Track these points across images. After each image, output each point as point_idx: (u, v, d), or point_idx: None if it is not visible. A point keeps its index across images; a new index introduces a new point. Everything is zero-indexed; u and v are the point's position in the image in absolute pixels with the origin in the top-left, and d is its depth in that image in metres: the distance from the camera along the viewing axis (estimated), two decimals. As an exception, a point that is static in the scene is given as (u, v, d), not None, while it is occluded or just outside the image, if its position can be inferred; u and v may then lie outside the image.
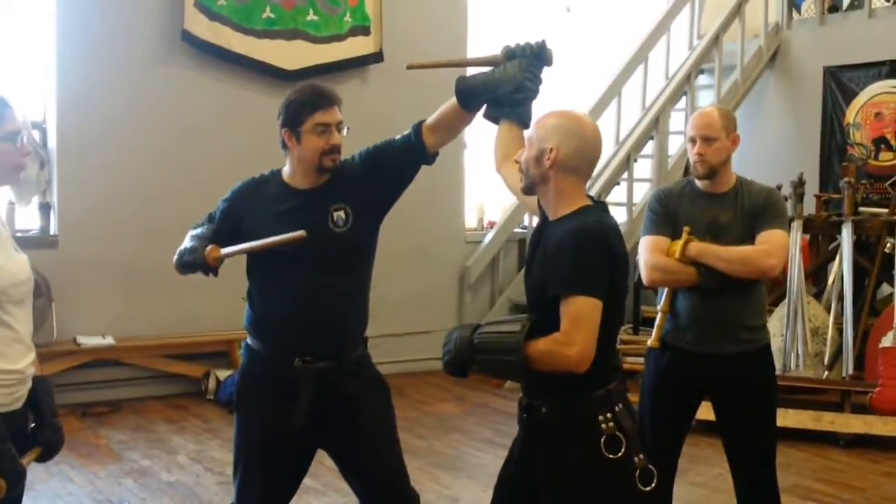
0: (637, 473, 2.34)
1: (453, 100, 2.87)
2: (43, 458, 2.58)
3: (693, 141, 3.24)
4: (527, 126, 2.72)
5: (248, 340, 2.96)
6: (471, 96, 2.82)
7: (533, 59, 2.75)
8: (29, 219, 6.32)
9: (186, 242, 2.88)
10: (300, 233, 2.70)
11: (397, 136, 2.97)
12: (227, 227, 2.92)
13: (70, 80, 6.24)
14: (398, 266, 7.00)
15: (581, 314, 2.28)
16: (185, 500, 4.52)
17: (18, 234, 6.14)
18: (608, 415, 2.34)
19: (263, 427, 2.87)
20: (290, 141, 2.86)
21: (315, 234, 2.79)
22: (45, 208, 6.30)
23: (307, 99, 2.84)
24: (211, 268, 2.80)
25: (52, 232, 6.29)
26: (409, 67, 3.02)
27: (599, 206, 2.47)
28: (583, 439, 2.35)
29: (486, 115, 2.85)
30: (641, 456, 2.36)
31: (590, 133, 2.45)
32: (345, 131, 2.87)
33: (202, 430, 5.70)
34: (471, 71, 3.00)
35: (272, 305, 2.88)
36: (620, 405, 2.37)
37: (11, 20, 6.30)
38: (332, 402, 2.85)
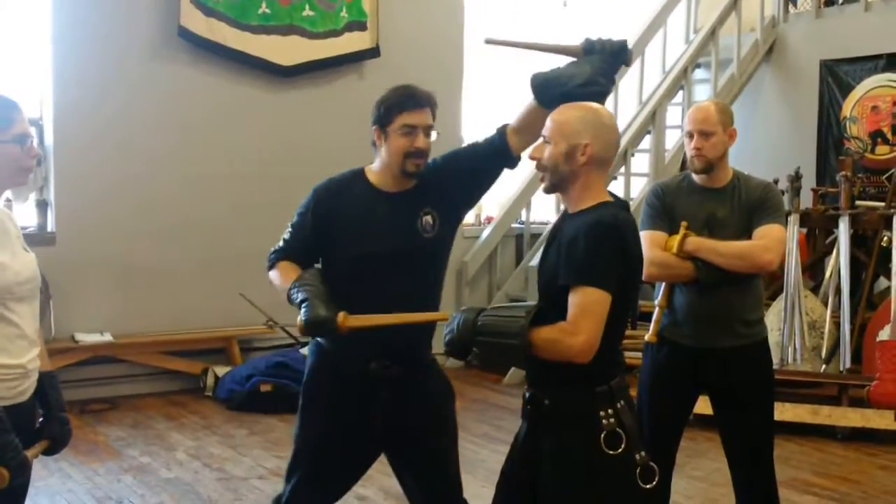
0: (638, 470, 2.33)
1: (531, 98, 2.80)
2: (51, 452, 2.60)
3: (690, 135, 3.24)
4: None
5: (321, 341, 2.90)
6: (544, 90, 2.74)
7: (610, 56, 2.70)
8: (26, 216, 6.32)
9: (301, 297, 2.67)
10: (444, 314, 2.65)
11: (480, 140, 2.92)
12: (316, 231, 2.84)
13: (66, 77, 6.23)
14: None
15: (590, 305, 2.27)
16: (184, 497, 4.53)
17: (15, 232, 6.14)
18: (609, 410, 2.34)
19: (333, 429, 2.82)
20: (379, 140, 2.82)
21: (404, 239, 2.78)
22: (42, 205, 6.30)
23: (398, 99, 2.79)
24: (342, 335, 2.69)
25: (49, 229, 6.29)
26: (488, 42, 2.95)
27: (619, 203, 2.46)
28: (583, 434, 2.34)
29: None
30: (643, 453, 2.35)
31: (612, 122, 2.46)
32: (433, 136, 2.81)
33: (200, 427, 5.70)
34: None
35: (351, 307, 2.74)
36: (622, 402, 2.36)
37: (7, 17, 6.29)
38: (404, 405, 2.81)
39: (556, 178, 2.42)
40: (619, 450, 2.32)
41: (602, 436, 2.32)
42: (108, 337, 6.24)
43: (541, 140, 2.46)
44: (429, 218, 2.83)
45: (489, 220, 8.10)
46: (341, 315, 2.62)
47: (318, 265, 2.89)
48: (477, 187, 2.92)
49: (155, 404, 6.18)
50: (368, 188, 2.85)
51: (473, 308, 2.44)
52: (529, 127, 2.82)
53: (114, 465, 4.98)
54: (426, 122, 2.79)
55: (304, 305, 2.66)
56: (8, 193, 6.04)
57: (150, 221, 6.44)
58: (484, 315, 2.38)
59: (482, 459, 5.11)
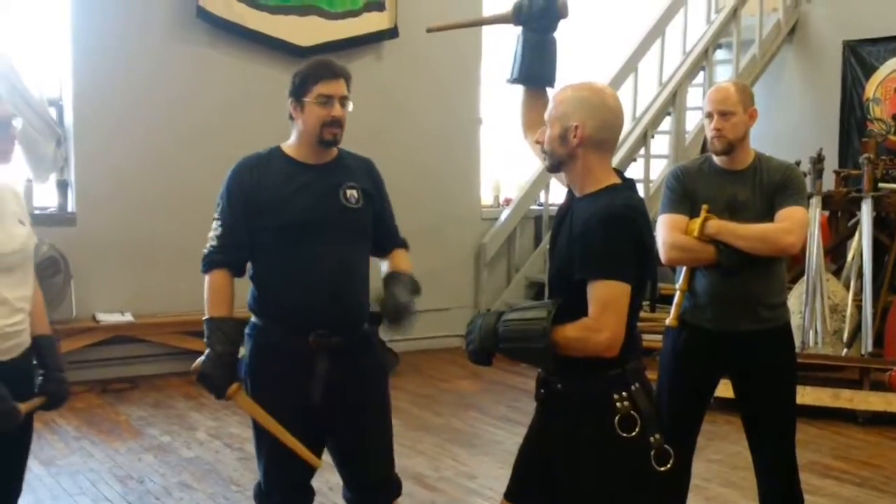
0: (652, 453, 2.32)
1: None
2: (49, 407, 2.79)
3: (710, 116, 3.19)
4: (543, 86, 2.74)
5: (255, 320, 2.92)
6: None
7: (539, 16, 2.72)
8: (47, 196, 6.35)
9: (210, 347, 2.79)
10: (316, 462, 2.82)
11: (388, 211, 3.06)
12: (245, 209, 2.86)
13: (86, 58, 6.25)
14: (414, 243, 6.82)
15: (611, 299, 2.26)
16: (205, 476, 4.56)
17: (36, 212, 6.17)
18: (623, 394, 2.32)
19: (282, 405, 2.84)
20: (295, 111, 2.87)
21: (328, 206, 2.83)
22: (62, 186, 6.33)
23: (313, 70, 2.86)
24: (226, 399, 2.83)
25: (69, 209, 6.32)
26: (429, 31, 3.02)
27: (627, 183, 2.42)
28: (597, 418, 2.33)
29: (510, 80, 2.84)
30: (658, 436, 2.33)
31: (612, 102, 2.40)
32: (349, 107, 2.87)
33: (220, 407, 5.72)
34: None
35: (282, 279, 2.84)
36: (637, 384, 2.35)
37: (27, -2, 6.31)
38: (344, 377, 2.83)
39: (555, 160, 2.41)
40: (634, 433, 2.31)
41: (616, 419, 2.31)
42: (128, 317, 6.28)
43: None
44: (354, 192, 2.89)
45: (507, 201, 8.07)
46: (234, 387, 2.80)
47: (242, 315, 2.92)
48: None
49: (176, 384, 6.21)
50: (287, 161, 2.90)
51: (493, 312, 2.43)
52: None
53: (135, 444, 5.02)
54: (341, 92, 2.84)
55: (210, 358, 2.79)
56: (28, 173, 6.15)
57: (170, 201, 6.47)
58: (504, 321, 2.36)
59: (499, 441, 5.12)
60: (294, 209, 2.82)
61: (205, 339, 2.84)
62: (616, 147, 2.50)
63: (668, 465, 2.34)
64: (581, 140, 2.34)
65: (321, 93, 2.82)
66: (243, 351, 2.95)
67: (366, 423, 2.93)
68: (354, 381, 2.87)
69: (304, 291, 2.81)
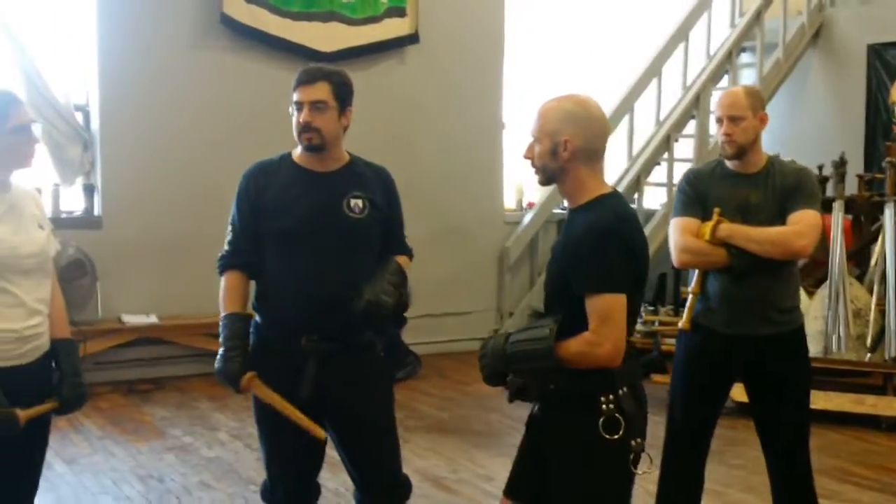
0: (631, 457, 2.38)
1: None
2: (61, 412, 2.77)
3: (720, 121, 3.22)
4: None
5: (257, 318, 2.97)
6: None
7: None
8: (73, 200, 6.45)
9: (223, 345, 2.85)
10: (320, 432, 2.82)
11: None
12: (253, 212, 2.92)
13: (112, 63, 6.35)
14: (437, 247, 7.02)
15: (608, 312, 2.31)
16: (225, 476, 4.61)
17: (63, 216, 6.27)
18: (610, 396, 2.37)
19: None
20: None
21: (327, 215, 2.85)
22: (88, 189, 6.42)
23: (296, 77, 2.88)
24: (242, 391, 2.86)
25: (95, 213, 6.41)
26: None
27: (616, 193, 2.47)
28: (582, 417, 2.39)
29: None
30: (639, 440, 2.39)
31: (597, 112, 2.45)
32: (328, 111, 2.84)
33: (243, 408, 5.77)
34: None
35: (280, 283, 2.88)
36: (625, 388, 2.39)
37: (54, 5, 6.40)
38: (333, 382, 2.86)
39: (547, 175, 2.45)
40: (617, 435, 2.35)
41: (601, 420, 2.35)
42: (153, 318, 6.35)
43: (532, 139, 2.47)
44: (359, 201, 2.89)
45: (531, 205, 8.08)
46: (248, 376, 2.82)
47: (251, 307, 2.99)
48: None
49: (199, 385, 6.27)
50: (293, 168, 2.94)
51: (501, 334, 2.49)
52: None
53: (157, 444, 5.09)
54: (311, 97, 2.83)
55: (221, 354, 2.84)
56: (55, 177, 6.25)
57: (194, 204, 6.53)
58: (511, 343, 2.42)
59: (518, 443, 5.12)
60: (292, 216, 2.86)
61: (220, 342, 2.90)
62: (604, 155, 2.49)
63: (645, 471, 2.41)
64: (572, 153, 2.38)
65: (295, 99, 2.86)
66: None
67: (365, 426, 2.94)
68: (344, 384, 2.87)
69: (297, 296, 2.84)
